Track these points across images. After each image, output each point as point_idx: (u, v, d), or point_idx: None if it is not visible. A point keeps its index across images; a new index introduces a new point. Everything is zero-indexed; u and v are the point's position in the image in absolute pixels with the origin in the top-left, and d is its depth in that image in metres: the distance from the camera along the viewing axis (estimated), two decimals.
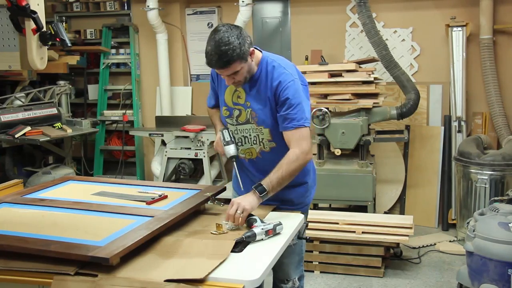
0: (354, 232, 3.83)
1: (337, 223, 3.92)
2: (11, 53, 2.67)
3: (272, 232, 1.99)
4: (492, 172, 4.15)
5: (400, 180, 5.01)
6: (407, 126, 4.96)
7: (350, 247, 3.87)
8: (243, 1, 5.10)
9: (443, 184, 4.89)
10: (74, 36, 5.95)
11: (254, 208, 2.12)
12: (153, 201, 2.28)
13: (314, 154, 4.47)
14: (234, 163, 2.39)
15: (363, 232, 3.82)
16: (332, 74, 4.41)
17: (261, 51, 2.30)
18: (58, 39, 2.72)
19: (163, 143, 5.21)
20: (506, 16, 4.80)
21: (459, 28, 4.76)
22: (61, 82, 5.61)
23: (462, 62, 4.77)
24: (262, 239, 1.95)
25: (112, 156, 6.19)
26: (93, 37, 6.02)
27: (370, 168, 4.34)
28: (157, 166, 5.32)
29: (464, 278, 3.30)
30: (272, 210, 2.31)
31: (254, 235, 1.93)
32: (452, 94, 4.82)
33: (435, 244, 4.44)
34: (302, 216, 2.31)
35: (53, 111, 5.14)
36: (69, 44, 2.88)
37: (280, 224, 2.03)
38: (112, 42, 5.99)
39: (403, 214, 4.91)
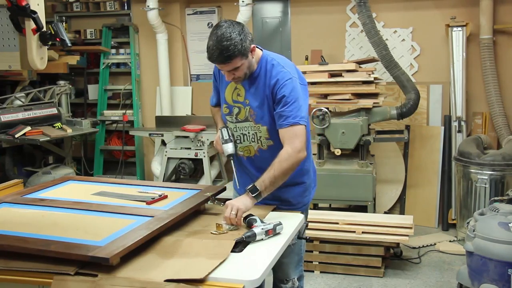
0: (354, 232, 3.83)
1: (337, 223, 3.92)
2: (11, 53, 2.67)
3: (272, 232, 1.99)
4: (492, 172, 4.15)
5: (400, 180, 5.01)
6: (407, 126, 4.96)
7: (350, 247, 3.87)
8: (243, 1, 5.11)
9: (443, 184, 4.89)
10: (74, 36, 5.95)
11: (248, 207, 2.11)
12: (153, 201, 2.28)
13: (314, 154, 4.47)
14: (232, 161, 2.40)
15: (363, 232, 3.82)
16: (332, 74, 4.41)
17: (261, 50, 2.31)
18: (58, 39, 2.72)
19: (163, 143, 5.21)
20: (506, 16, 4.80)
21: (459, 28, 4.76)
22: (61, 82, 5.61)
23: (462, 62, 4.77)
24: (262, 239, 1.95)
25: (112, 156, 6.19)
26: (93, 37, 6.02)
27: (370, 168, 4.34)
28: (157, 166, 5.32)
29: (464, 278, 3.30)
30: (272, 210, 2.32)
31: (254, 235, 1.93)
32: (452, 94, 4.82)
33: (435, 244, 4.44)
34: (302, 216, 2.31)
35: (53, 111, 5.14)
36: (69, 44, 2.88)
37: (280, 224, 2.03)
38: (112, 42, 5.99)
39: (403, 214, 4.91)
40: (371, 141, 4.36)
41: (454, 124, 4.83)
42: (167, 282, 1.58)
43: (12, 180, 3.89)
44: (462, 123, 4.81)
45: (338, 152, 4.38)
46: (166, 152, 5.11)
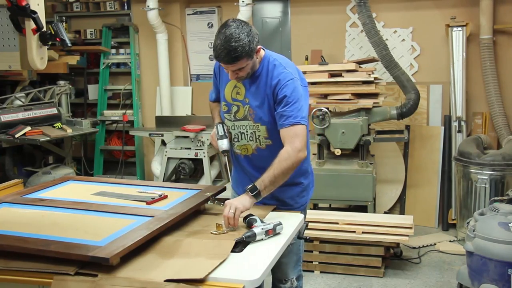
0: (354, 232, 3.83)
1: (337, 223, 3.92)
2: (11, 53, 2.67)
3: (272, 232, 1.99)
4: (492, 172, 4.15)
5: (400, 180, 5.01)
6: (407, 126, 4.96)
7: (350, 247, 3.87)
8: (243, 1, 5.11)
9: (443, 184, 4.89)
10: (74, 36, 5.95)
11: (247, 207, 2.09)
12: (153, 201, 2.28)
13: (314, 154, 4.48)
14: (226, 157, 2.41)
15: (363, 232, 3.82)
16: (332, 74, 4.41)
17: (264, 50, 2.32)
18: (58, 39, 2.72)
19: (163, 143, 5.21)
20: (506, 16, 4.80)
21: (459, 28, 4.76)
22: (61, 82, 5.61)
23: (462, 62, 4.77)
24: (262, 239, 1.95)
25: (112, 156, 6.19)
26: (93, 37, 6.02)
27: (370, 168, 4.34)
28: (157, 166, 5.32)
29: (464, 278, 3.30)
30: (272, 210, 2.32)
31: (254, 235, 1.93)
32: (452, 94, 4.82)
33: (435, 244, 4.44)
34: (302, 216, 2.31)
35: (53, 111, 5.14)
36: (69, 44, 2.88)
37: (280, 224, 2.03)
38: (112, 42, 5.99)
39: (403, 214, 4.91)
40: (371, 141, 4.36)
41: (454, 124, 4.83)
42: (167, 282, 1.58)
43: (12, 180, 3.89)
44: (462, 123, 4.81)
45: (338, 152, 4.38)
46: (166, 152, 5.11)
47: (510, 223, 3.07)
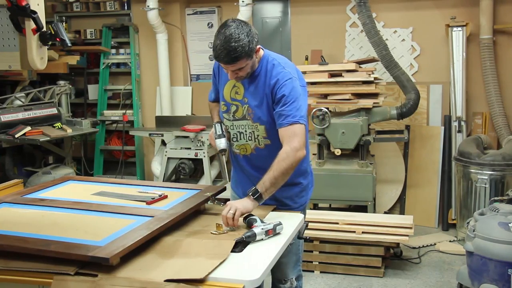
0: (354, 232, 3.83)
1: (337, 223, 3.92)
2: (11, 53, 2.67)
3: (272, 232, 1.99)
4: (492, 172, 4.15)
5: (400, 180, 5.01)
6: (407, 126, 4.96)
7: (350, 247, 3.87)
8: (243, 1, 5.11)
9: (443, 184, 4.89)
10: (74, 36, 5.95)
11: (249, 210, 2.09)
12: (153, 201, 2.28)
13: (314, 154, 4.48)
14: (224, 156, 2.40)
15: (363, 232, 3.82)
16: (332, 74, 4.41)
17: (263, 49, 2.32)
18: (58, 39, 2.72)
19: (163, 143, 5.21)
20: (506, 16, 4.80)
21: (459, 28, 4.76)
22: (61, 82, 5.61)
23: (462, 62, 4.77)
24: (262, 239, 1.95)
25: (112, 156, 6.19)
26: (93, 37, 6.01)
27: (370, 168, 4.34)
28: (157, 166, 5.32)
29: (464, 278, 3.30)
30: (272, 210, 2.32)
31: (254, 235, 1.93)
32: (452, 94, 4.82)
33: (435, 244, 4.44)
34: (302, 216, 2.31)
35: (53, 111, 5.14)
36: (69, 44, 2.88)
37: (280, 224, 2.03)
38: (112, 42, 5.99)
39: (403, 214, 4.91)
40: (371, 141, 4.36)
41: (454, 124, 4.83)
42: (167, 282, 1.58)
43: (12, 180, 3.89)
44: (462, 123, 4.81)
45: (338, 152, 4.38)
46: (166, 152, 5.11)
47: (510, 223, 3.07)
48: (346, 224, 3.90)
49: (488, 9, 4.69)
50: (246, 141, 2.38)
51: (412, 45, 5.14)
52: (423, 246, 4.40)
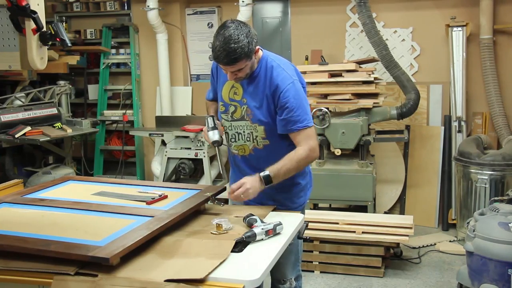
0: (354, 232, 3.83)
1: (337, 223, 3.92)
2: (11, 53, 2.67)
3: (272, 232, 1.99)
4: (492, 172, 4.15)
5: (400, 180, 5.01)
6: (407, 126, 4.96)
7: (350, 247, 3.87)
8: (243, 1, 5.11)
9: (443, 184, 4.89)
10: (74, 36, 5.94)
11: (256, 193, 2.19)
12: (153, 201, 2.28)
13: None
14: (217, 148, 2.41)
15: (363, 232, 3.82)
16: (332, 74, 4.41)
17: (261, 50, 2.32)
18: (58, 39, 2.72)
19: (163, 143, 5.21)
20: (506, 16, 4.80)
21: (459, 28, 4.76)
22: (61, 82, 5.60)
23: (462, 62, 4.77)
24: (262, 239, 1.95)
25: (112, 156, 6.19)
26: (93, 37, 6.01)
27: (370, 168, 4.34)
28: (157, 166, 5.32)
29: (464, 278, 3.30)
30: (272, 210, 2.32)
31: (254, 235, 1.93)
32: (452, 94, 4.82)
33: (435, 244, 4.44)
34: (302, 216, 2.31)
35: (53, 111, 5.14)
36: (69, 44, 2.88)
37: (280, 224, 2.03)
38: (112, 42, 5.99)
39: (403, 214, 4.91)
40: (371, 141, 4.36)
41: (454, 124, 4.83)
42: (167, 282, 1.58)
43: (12, 180, 3.90)
44: (462, 123, 4.81)
45: (338, 152, 4.38)
46: (166, 152, 5.11)
47: (510, 223, 3.07)
48: (346, 224, 3.90)
49: (488, 9, 4.69)
50: (245, 141, 2.38)
51: (412, 45, 5.14)
52: (423, 246, 4.40)
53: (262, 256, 1.83)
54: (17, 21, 2.58)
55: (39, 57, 2.62)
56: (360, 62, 4.65)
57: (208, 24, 5.71)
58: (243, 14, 5.13)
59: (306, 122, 2.25)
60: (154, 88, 5.89)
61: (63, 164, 5.24)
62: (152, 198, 2.30)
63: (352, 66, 4.34)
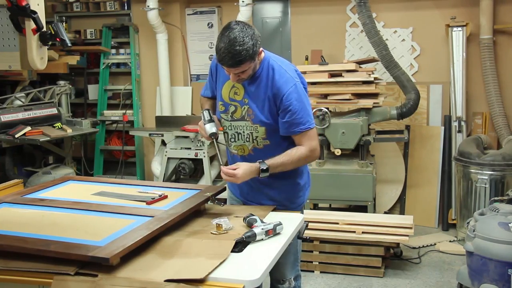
0: (354, 232, 3.83)
1: (337, 223, 3.92)
2: (11, 53, 2.67)
3: (272, 232, 1.99)
4: (492, 172, 4.15)
5: (400, 180, 5.01)
6: (407, 126, 4.96)
7: (350, 247, 3.87)
8: (243, 1, 5.10)
9: (443, 184, 4.89)
10: (74, 36, 5.95)
11: (242, 181, 2.24)
12: (153, 201, 2.28)
13: None
14: (215, 141, 2.39)
15: (363, 232, 3.82)
16: (332, 74, 4.41)
17: (264, 51, 2.31)
18: (58, 39, 2.72)
19: (163, 143, 5.21)
20: (506, 16, 4.80)
21: (459, 28, 4.76)
22: (61, 82, 5.61)
23: (462, 62, 4.77)
24: (262, 239, 1.95)
25: (112, 156, 6.19)
26: (93, 37, 6.02)
27: (370, 168, 4.34)
28: (157, 166, 5.32)
29: (464, 278, 3.30)
30: (272, 210, 2.32)
31: (254, 235, 1.93)
32: (452, 94, 4.82)
33: (435, 244, 4.44)
34: (302, 216, 2.32)
35: (53, 111, 5.14)
36: (69, 44, 2.88)
37: (280, 224, 2.03)
38: (112, 42, 5.99)
39: (403, 214, 4.91)
40: (371, 141, 4.36)
41: (454, 124, 4.83)
42: (167, 282, 1.58)
43: (12, 180, 3.90)
44: (462, 123, 4.81)
45: (338, 152, 4.38)
46: (166, 152, 5.11)
47: (510, 223, 3.07)
48: (346, 224, 3.90)
49: (488, 9, 4.69)
50: (244, 142, 2.37)
51: (412, 45, 5.14)
52: (423, 246, 4.40)
53: (262, 256, 1.83)
54: (17, 21, 2.58)
55: (39, 57, 2.63)
56: (360, 62, 4.65)
57: (208, 24, 5.71)
58: (243, 14, 5.13)
59: (309, 124, 2.27)
60: (154, 88, 5.89)
61: (63, 164, 5.24)
62: (152, 198, 2.30)
63: (352, 66, 4.33)
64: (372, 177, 4.32)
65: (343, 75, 4.36)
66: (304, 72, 4.44)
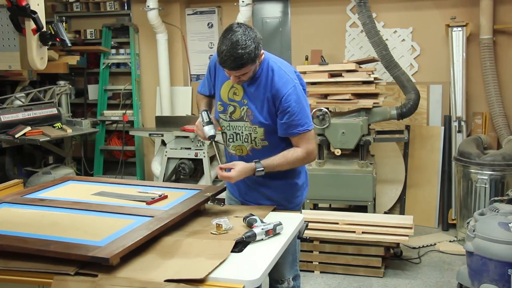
0: (354, 232, 3.83)
1: (337, 223, 3.92)
2: (11, 53, 2.67)
3: (272, 232, 1.99)
4: (492, 172, 4.15)
5: (400, 180, 5.01)
6: (407, 126, 4.96)
7: (350, 247, 3.87)
8: (243, 1, 5.10)
9: (443, 184, 4.89)
10: (74, 36, 5.95)
11: (237, 180, 2.27)
12: (153, 201, 2.28)
13: None
14: (214, 144, 2.40)
15: (363, 232, 3.82)
16: (332, 74, 4.41)
17: (264, 53, 2.31)
18: (58, 39, 2.73)
19: (163, 143, 5.21)
20: (506, 16, 4.80)
21: (459, 28, 4.76)
22: (61, 82, 5.61)
23: (462, 62, 4.77)
24: (262, 239, 1.95)
25: (112, 156, 6.19)
26: (93, 37, 6.02)
27: (370, 168, 4.34)
28: (157, 166, 5.32)
29: (464, 278, 3.30)
30: (272, 210, 2.32)
31: (254, 235, 1.93)
32: (452, 94, 4.82)
33: (435, 244, 4.44)
34: (302, 216, 2.32)
35: (53, 111, 5.14)
36: (69, 44, 2.89)
37: (280, 224, 2.03)
38: (112, 42, 5.99)
39: (403, 214, 4.91)
40: (371, 141, 4.36)
41: (454, 124, 4.83)
42: (167, 282, 1.58)
43: (12, 180, 3.90)
44: (462, 123, 4.81)
45: (338, 152, 4.38)
46: (166, 152, 5.11)
47: (510, 223, 3.07)
48: (346, 224, 3.90)
49: (488, 9, 4.69)
50: (242, 142, 2.37)
51: (412, 45, 5.14)
52: (423, 246, 4.40)
53: (262, 256, 1.83)
54: (17, 21, 2.59)
55: (39, 57, 2.63)
56: (360, 62, 4.65)
57: (208, 24, 5.71)
58: (243, 14, 5.13)
59: (307, 126, 2.27)
60: (154, 88, 5.89)
61: (63, 164, 5.24)
62: (152, 198, 2.30)
63: (352, 66, 4.33)
64: (372, 177, 4.32)
65: (343, 75, 4.36)
66: (304, 72, 4.44)
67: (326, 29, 5.37)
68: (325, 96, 4.49)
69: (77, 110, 6.15)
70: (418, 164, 4.99)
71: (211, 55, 2.32)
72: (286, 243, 2.02)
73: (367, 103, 4.33)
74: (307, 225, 2.29)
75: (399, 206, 5.03)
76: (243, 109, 2.32)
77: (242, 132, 2.36)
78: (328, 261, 3.92)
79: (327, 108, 4.32)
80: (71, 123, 5.23)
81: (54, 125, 4.96)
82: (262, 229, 1.96)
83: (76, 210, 2.17)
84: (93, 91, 6.08)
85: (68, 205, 2.24)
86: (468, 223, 3.38)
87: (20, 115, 4.83)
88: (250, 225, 2.02)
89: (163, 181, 5.03)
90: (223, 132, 2.43)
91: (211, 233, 2.01)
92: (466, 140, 4.57)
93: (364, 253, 3.85)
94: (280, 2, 5.56)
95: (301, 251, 3.52)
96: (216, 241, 1.92)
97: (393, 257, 4.11)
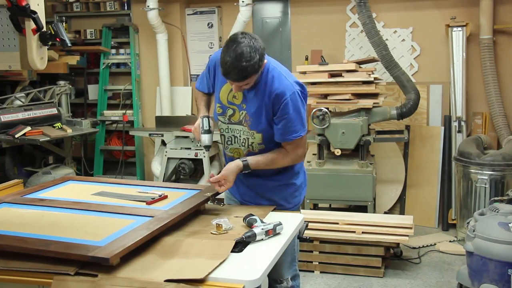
0: (354, 232, 3.83)
1: (337, 223, 3.92)
2: (11, 53, 2.67)
3: (272, 232, 1.99)
4: (492, 172, 4.15)
5: (400, 180, 5.01)
6: (407, 126, 4.96)
7: (350, 247, 3.87)
8: (243, 1, 5.10)
9: (443, 184, 4.89)
10: (74, 36, 5.94)
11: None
12: (153, 201, 2.28)
13: (314, 154, 4.51)
14: (206, 153, 2.43)
15: (363, 232, 3.82)
16: (332, 74, 4.41)
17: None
18: (58, 39, 2.73)
19: (163, 143, 5.21)
20: (506, 16, 4.80)
21: (459, 28, 4.76)
22: (61, 82, 5.60)
23: (462, 62, 4.77)
24: (262, 239, 1.95)
25: (112, 156, 6.19)
26: (93, 37, 6.01)
27: (370, 168, 4.34)
28: (157, 166, 5.32)
29: (464, 278, 3.30)
30: (272, 210, 2.32)
31: (254, 235, 1.93)
32: (452, 94, 4.82)
33: (435, 244, 4.44)
34: (302, 216, 2.32)
35: (53, 111, 5.14)
36: (69, 44, 2.89)
37: (280, 224, 2.03)
38: (112, 42, 5.99)
39: (403, 214, 4.91)
40: (371, 141, 4.36)
41: (454, 124, 4.82)
42: (167, 282, 1.58)
43: (12, 180, 3.90)
44: (462, 123, 4.81)
45: (338, 152, 4.38)
46: (166, 152, 5.11)
47: (510, 223, 3.07)
48: (346, 224, 3.90)
49: (488, 9, 4.69)
50: (239, 146, 2.38)
51: (412, 45, 5.14)
52: (423, 246, 4.40)
53: (262, 256, 1.83)
54: (17, 21, 2.58)
55: (39, 57, 2.63)
56: (360, 62, 4.65)
57: (208, 24, 5.71)
58: (243, 14, 5.13)
59: (300, 132, 2.28)
60: (154, 88, 5.89)
61: (63, 164, 5.24)
62: (152, 198, 2.30)
63: (352, 66, 4.33)
64: (372, 177, 4.31)
65: (343, 75, 4.36)
66: (304, 72, 4.44)
67: (326, 29, 5.37)
68: (325, 96, 4.49)
69: (77, 110, 6.15)
70: (418, 164, 4.99)
71: (211, 55, 2.31)
72: (286, 243, 2.02)
73: (367, 103, 4.33)
74: (307, 225, 2.29)
75: (399, 206, 5.03)
76: (242, 113, 2.32)
77: (240, 136, 2.36)
78: (328, 261, 3.92)
79: (327, 108, 4.32)
80: (71, 123, 5.23)
81: (54, 125, 4.96)
82: (262, 229, 1.97)
83: (76, 210, 2.17)
84: (93, 91, 6.08)
85: (68, 205, 2.24)
86: (468, 223, 3.38)
87: (20, 115, 4.83)
88: (250, 225, 2.02)
89: (163, 181, 5.03)
90: (221, 134, 2.43)
91: (211, 233, 2.01)
92: (466, 140, 4.57)
93: (364, 253, 3.85)
94: (280, 2, 5.56)
95: (301, 251, 3.53)
96: (216, 241, 1.92)
97: (393, 257, 4.11)
